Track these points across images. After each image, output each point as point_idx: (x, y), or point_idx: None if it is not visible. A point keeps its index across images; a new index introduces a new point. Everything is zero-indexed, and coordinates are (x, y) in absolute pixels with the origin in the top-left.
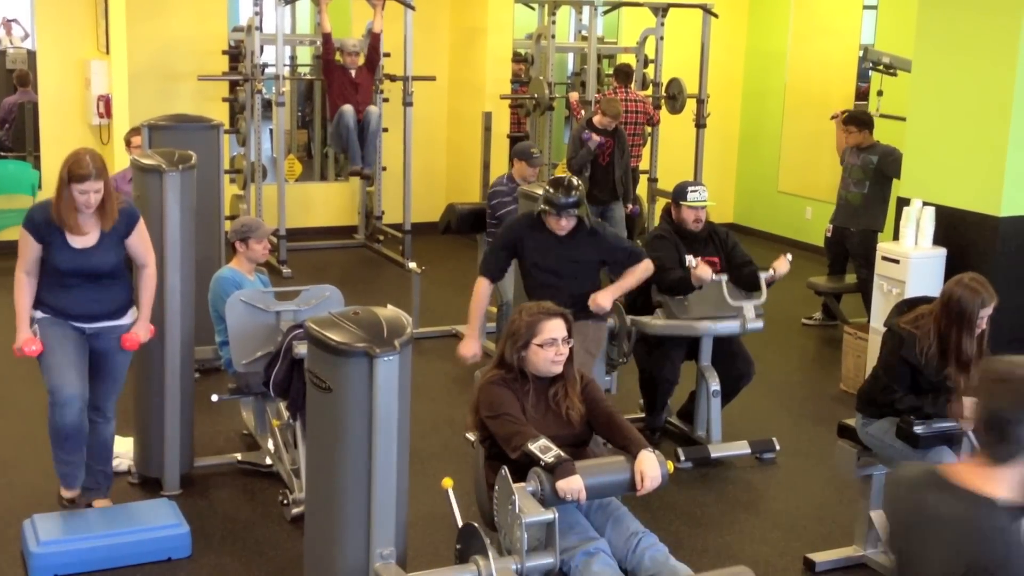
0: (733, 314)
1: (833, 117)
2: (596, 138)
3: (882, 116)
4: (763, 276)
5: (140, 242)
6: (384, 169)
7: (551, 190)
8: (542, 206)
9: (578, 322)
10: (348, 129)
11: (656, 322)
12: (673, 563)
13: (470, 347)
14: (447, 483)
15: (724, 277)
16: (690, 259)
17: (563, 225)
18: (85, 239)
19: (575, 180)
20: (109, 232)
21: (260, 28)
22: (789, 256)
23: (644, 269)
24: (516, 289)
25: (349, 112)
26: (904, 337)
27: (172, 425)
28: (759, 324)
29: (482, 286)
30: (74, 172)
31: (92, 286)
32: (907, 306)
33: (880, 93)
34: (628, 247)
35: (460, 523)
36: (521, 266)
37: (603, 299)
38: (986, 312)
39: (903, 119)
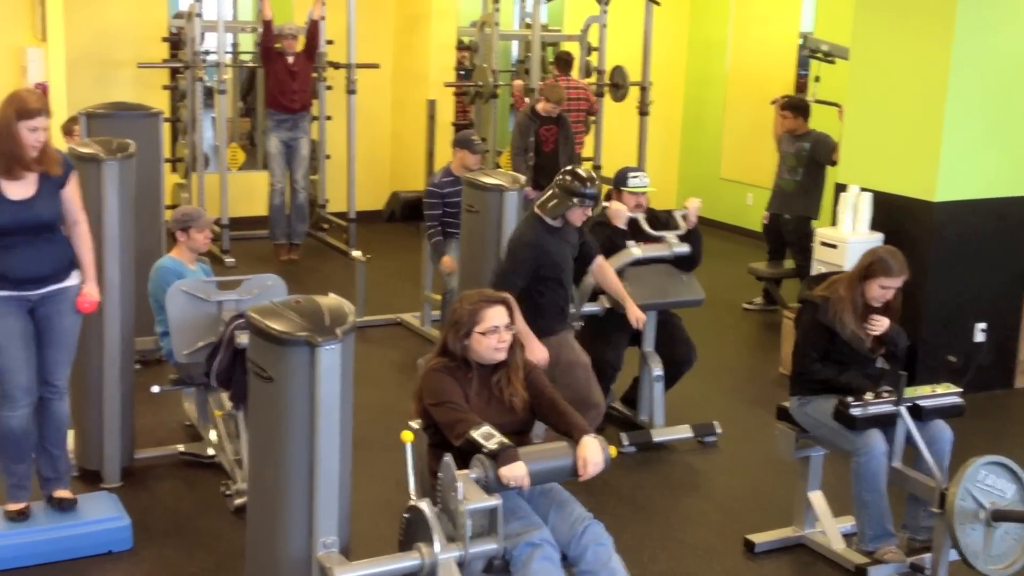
0: (658, 246)
1: (773, 102)
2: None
3: (818, 102)
4: (677, 213)
5: (75, 194)
6: (328, 157)
7: (575, 183)
8: (569, 202)
9: (565, 333)
10: (272, 205)
11: (594, 308)
12: (614, 565)
13: (538, 352)
14: (407, 436)
15: (641, 213)
16: (631, 244)
17: (585, 216)
18: (23, 189)
19: (584, 169)
20: (49, 181)
21: (200, 15)
22: (699, 199)
23: (606, 264)
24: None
25: (278, 192)
26: (818, 303)
27: (112, 417)
28: (685, 248)
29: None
30: (23, 108)
31: (34, 243)
32: (818, 280)
33: (817, 79)
34: (590, 238)
35: (413, 483)
36: (539, 275)
37: (637, 312)
38: (890, 282)
39: (838, 105)
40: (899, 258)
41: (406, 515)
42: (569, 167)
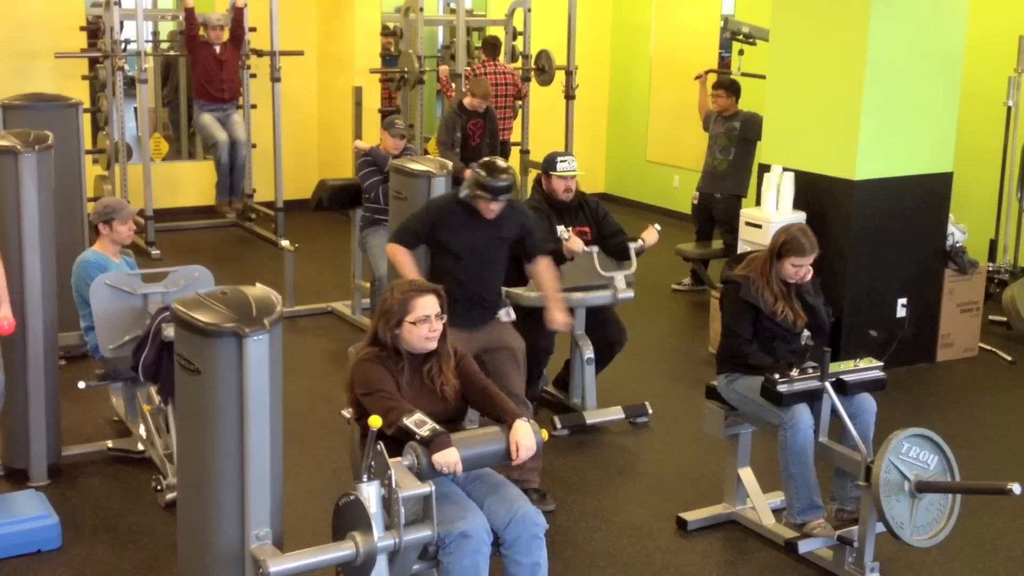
0: (604, 284)
1: (697, 77)
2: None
3: (744, 75)
4: (632, 247)
5: None
6: (254, 146)
7: (483, 173)
8: (475, 191)
9: (491, 324)
10: (219, 159)
11: (530, 294)
12: (540, 561)
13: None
14: (375, 422)
15: (595, 249)
16: (562, 230)
17: (494, 209)
18: None
19: (505, 163)
20: None
21: (119, 3)
22: (657, 227)
23: (550, 264)
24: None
25: (223, 145)
26: (740, 282)
27: (37, 414)
28: (630, 294)
29: (402, 251)
30: None
31: None
32: (736, 261)
33: (741, 52)
34: (539, 236)
35: (372, 464)
36: (437, 248)
37: (561, 315)
38: (800, 260)
39: (763, 76)
40: (809, 236)
41: (340, 502)
42: (489, 157)
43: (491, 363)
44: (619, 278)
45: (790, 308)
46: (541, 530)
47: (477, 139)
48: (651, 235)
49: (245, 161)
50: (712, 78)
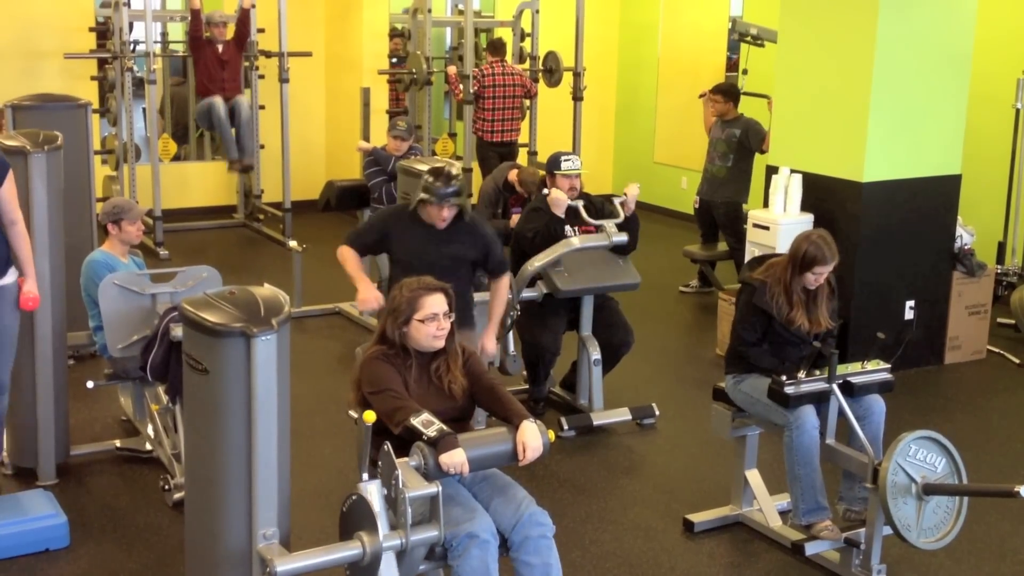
0: (598, 236)
1: (702, 95)
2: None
3: (747, 94)
4: (617, 200)
5: (10, 193)
6: (262, 147)
7: (430, 178)
8: (420, 195)
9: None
10: (220, 121)
11: (530, 293)
12: (551, 561)
13: (368, 291)
14: (369, 416)
15: (580, 202)
16: (569, 231)
17: (444, 216)
18: None
19: (456, 168)
20: None
21: (128, 4)
22: (637, 184)
23: (505, 286)
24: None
25: (219, 104)
26: (756, 286)
27: (46, 413)
28: (623, 237)
29: (348, 251)
30: None
31: None
32: (758, 262)
33: (745, 72)
34: (500, 254)
35: (395, 463)
36: (391, 259)
37: (490, 344)
38: (824, 268)
39: (767, 96)
40: (830, 244)
41: (347, 502)
42: (432, 166)
43: None
44: (609, 225)
45: (807, 317)
46: (549, 531)
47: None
48: (632, 188)
49: (250, 121)
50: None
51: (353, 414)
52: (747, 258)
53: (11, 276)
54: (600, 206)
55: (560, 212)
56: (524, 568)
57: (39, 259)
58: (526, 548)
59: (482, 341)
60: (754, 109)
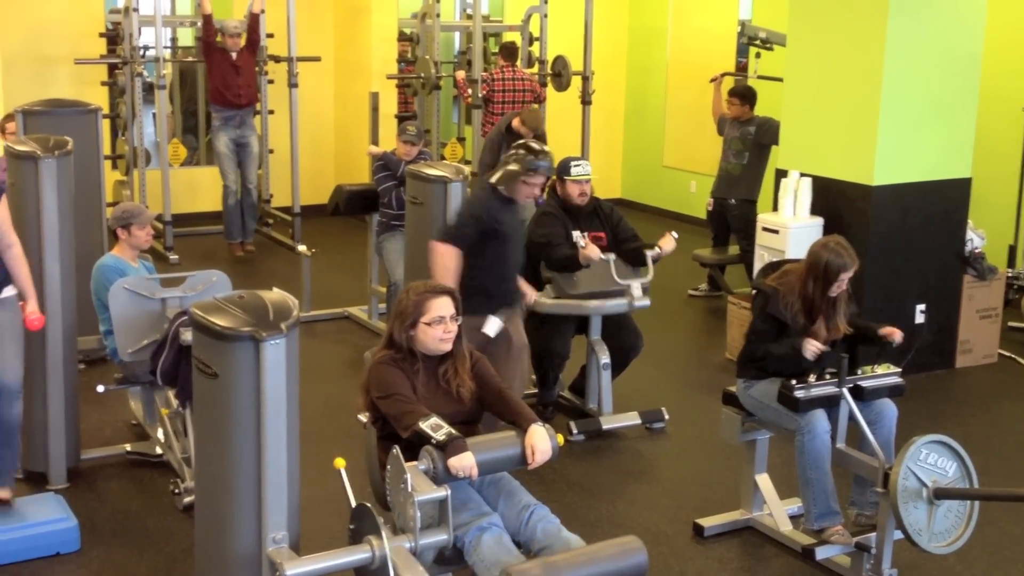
0: (620, 291)
1: (713, 80)
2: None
3: (760, 78)
4: (649, 254)
5: (4, 217)
6: (271, 152)
7: (529, 155)
8: (516, 170)
9: (512, 308)
10: (227, 205)
11: (546, 300)
12: (565, 535)
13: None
14: (339, 463)
15: (612, 256)
16: (578, 236)
17: (532, 193)
18: None
19: (541, 145)
20: None
21: (137, 9)
22: (675, 234)
23: None
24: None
25: (232, 191)
26: (770, 294)
27: (56, 418)
28: (646, 302)
29: (452, 253)
30: None
31: None
32: (772, 268)
33: (758, 55)
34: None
35: (353, 503)
36: (491, 237)
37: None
38: (847, 275)
39: (780, 79)
40: (848, 250)
41: (355, 508)
42: (522, 141)
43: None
44: (635, 286)
45: (825, 325)
46: (555, 519)
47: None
48: (668, 243)
49: (255, 203)
50: (728, 81)
51: (363, 418)
52: (756, 262)
53: (9, 291)
54: (610, 211)
55: (587, 263)
56: (543, 552)
57: (49, 263)
58: (535, 537)
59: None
60: (767, 96)
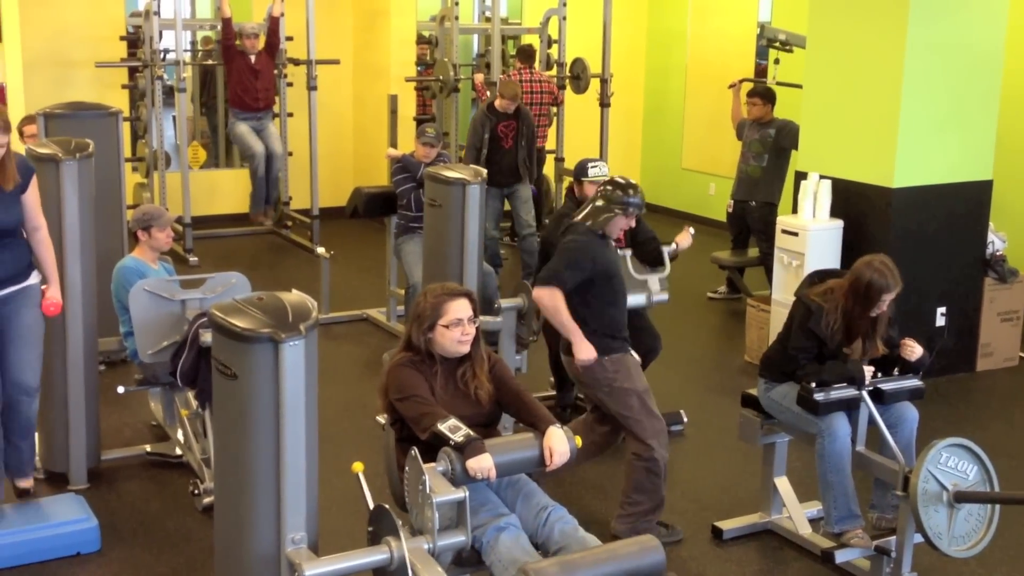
0: (639, 289)
1: (731, 86)
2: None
3: (779, 84)
4: (666, 251)
5: (35, 199)
6: (290, 154)
7: (620, 192)
8: (614, 209)
9: (622, 355)
10: (255, 173)
11: None
12: (582, 534)
13: (586, 350)
14: (357, 467)
15: (628, 252)
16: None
17: (626, 226)
18: None
19: (626, 178)
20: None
21: (158, 13)
22: (691, 230)
23: None
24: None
25: (260, 156)
26: (813, 310)
27: (77, 418)
28: (664, 296)
29: (558, 295)
30: None
31: None
32: (818, 277)
33: (777, 61)
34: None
35: (371, 505)
36: (592, 288)
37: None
38: (889, 297)
39: (799, 86)
40: (893, 269)
41: (374, 509)
42: (609, 177)
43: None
44: (653, 281)
45: (863, 346)
46: (572, 520)
47: (510, 141)
48: (685, 238)
49: (280, 172)
50: (746, 87)
51: (381, 420)
52: (775, 265)
53: (34, 278)
54: (652, 250)
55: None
56: (561, 552)
57: (70, 265)
58: (552, 537)
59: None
60: (786, 101)
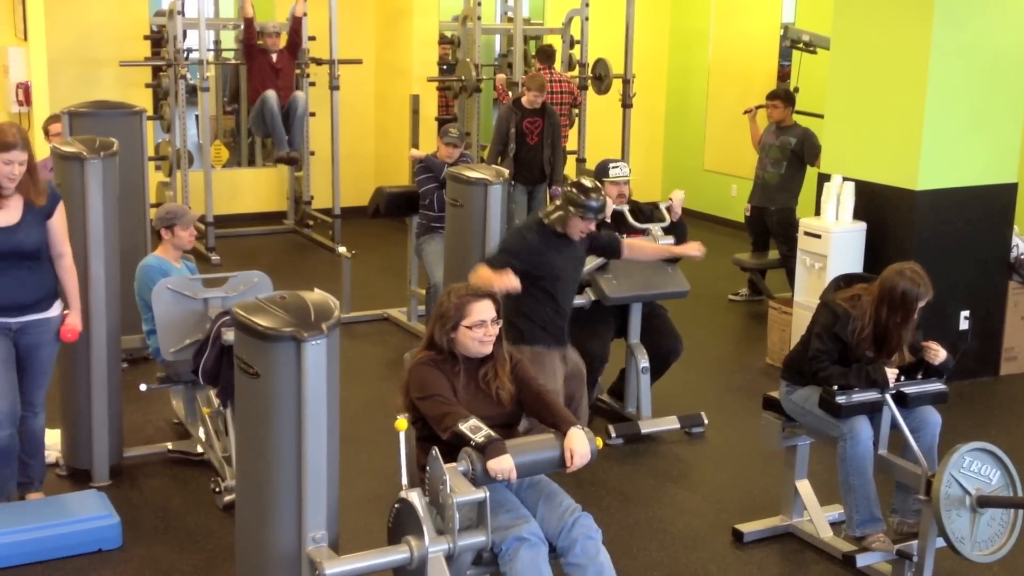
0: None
1: (747, 112)
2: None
3: (799, 113)
4: (663, 205)
5: (61, 225)
6: (312, 154)
7: (577, 193)
8: (569, 209)
9: (565, 348)
10: (272, 114)
11: (578, 300)
12: (602, 560)
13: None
14: (401, 425)
15: (626, 207)
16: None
17: (585, 229)
18: (6, 216)
19: (592, 182)
20: (35, 210)
21: (182, 12)
22: (682, 191)
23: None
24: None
25: (272, 97)
26: (840, 315)
27: (100, 416)
28: (669, 240)
29: (483, 268)
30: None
31: (17, 270)
32: (844, 282)
33: (796, 90)
34: (609, 234)
35: (406, 470)
36: (536, 270)
37: (693, 249)
38: (921, 304)
39: (820, 116)
40: (924, 277)
41: (395, 507)
42: (576, 180)
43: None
44: (655, 228)
45: (897, 355)
46: (596, 534)
47: (535, 138)
48: (677, 194)
49: (304, 116)
50: (762, 113)
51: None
52: (798, 267)
53: (56, 309)
54: (649, 213)
55: (606, 216)
56: (575, 571)
57: (94, 263)
58: (574, 551)
59: (689, 250)
60: (809, 102)
